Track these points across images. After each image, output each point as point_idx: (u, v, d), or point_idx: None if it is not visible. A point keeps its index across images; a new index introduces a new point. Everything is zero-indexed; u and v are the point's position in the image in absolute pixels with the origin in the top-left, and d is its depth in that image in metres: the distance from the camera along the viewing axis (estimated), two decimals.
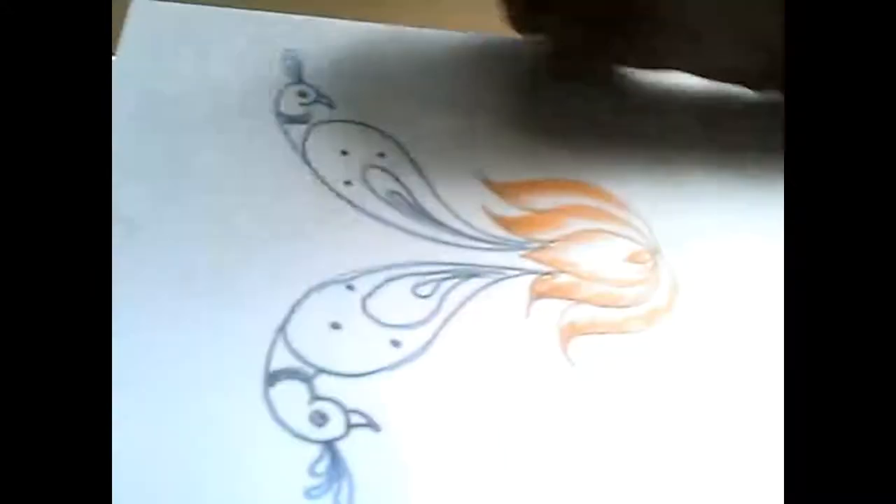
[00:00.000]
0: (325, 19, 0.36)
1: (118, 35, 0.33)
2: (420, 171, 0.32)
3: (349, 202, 0.31)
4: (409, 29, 0.36)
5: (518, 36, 0.35)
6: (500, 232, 0.31)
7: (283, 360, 0.26)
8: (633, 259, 0.32)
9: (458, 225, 0.31)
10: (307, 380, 0.25)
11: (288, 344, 0.26)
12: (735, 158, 0.36)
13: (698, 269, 0.32)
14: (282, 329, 0.26)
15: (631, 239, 0.32)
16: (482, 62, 0.36)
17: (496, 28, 0.37)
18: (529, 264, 0.31)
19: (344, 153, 0.32)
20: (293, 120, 0.33)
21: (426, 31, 0.37)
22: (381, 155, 0.33)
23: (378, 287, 0.28)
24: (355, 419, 0.25)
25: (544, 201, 0.33)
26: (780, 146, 0.35)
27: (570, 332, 0.29)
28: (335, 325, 0.27)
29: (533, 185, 0.33)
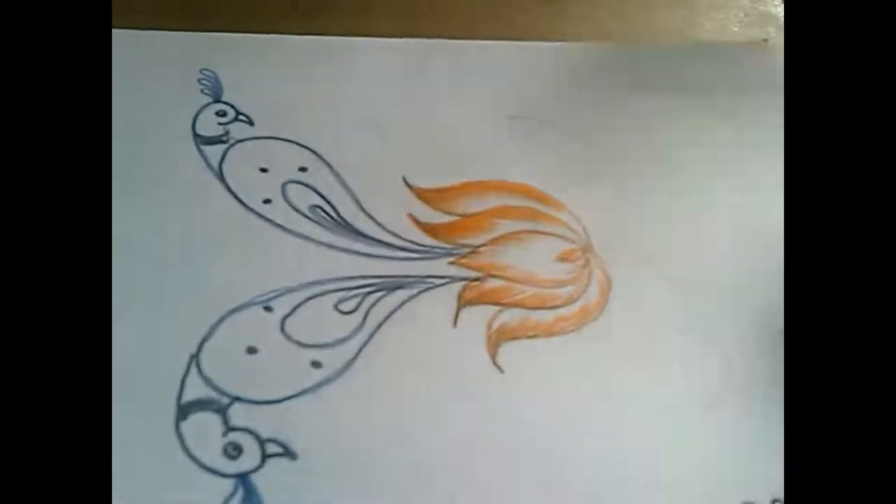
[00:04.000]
0: (242, 35, 0.35)
1: None
2: (343, 183, 0.32)
3: (268, 220, 0.30)
4: (329, 38, 0.36)
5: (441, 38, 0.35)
6: (427, 240, 0.30)
7: (196, 390, 0.25)
8: (563, 258, 0.31)
9: (383, 236, 0.30)
10: (221, 410, 0.24)
11: (201, 372, 0.25)
12: (672, 152, 0.35)
13: (631, 264, 0.31)
14: (195, 356, 0.25)
15: (562, 237, 0.31)
16: (404, 67, 0.35)
17: (422, 32, 0.36)
18: (458, 271, 0.30)
19: (263, 170, 0.31)
20: (211, 141, 0.32)
21: (347, 39, 0.36)
22: (303, 169, 0.32)
23: (298, 306, 0.28)
24: (271, 449, 0.24)
25: (472, 204, 0.32)
26: (717, 140, 0.35)
27: (500, 337, 0.28)
28: (251, 350, 0.26)
29: (460, 189, 0.32)
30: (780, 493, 0.26)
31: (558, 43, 0.36)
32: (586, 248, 0.31)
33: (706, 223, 0.33)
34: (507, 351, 0.28)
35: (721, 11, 0.41)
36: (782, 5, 0.38)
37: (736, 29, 0.40)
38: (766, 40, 0.39)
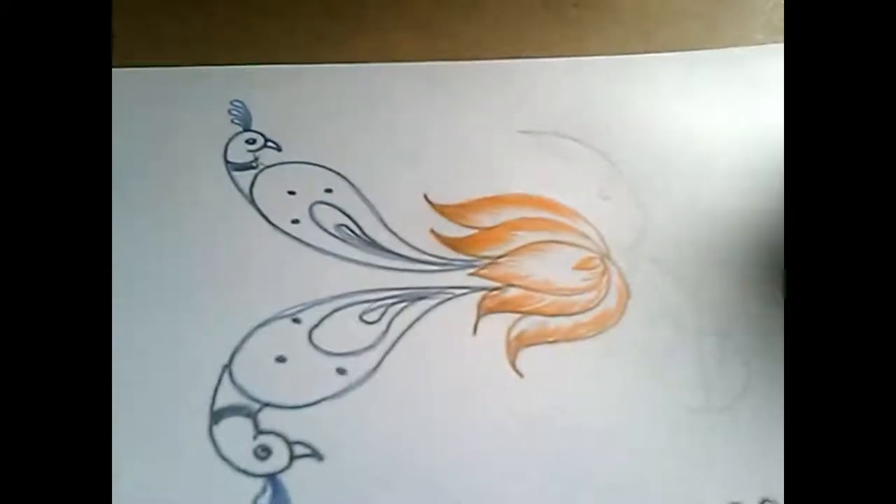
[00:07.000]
0: (269, 66, 0.37)
1: None
2: (367, 203, 0.33)
3: (296, 239, 0.31)
4: (351, 66, 0.37)
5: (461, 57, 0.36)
6: (448, 253, 0.32)
7: (228, 397, 0.26)
8: (581, 266, 0.32)
9: (406, 251, 0.31)
10: (252, 415, 0.26)
11: (233, 380, 0.26)
12: (688, 160, 0.36)
13: (649, 271, 0.31)
14: (227, 366, 0.27)
15: (579, 246, 0.32)
16: (424, 90, 0.36)
17: (443, 52, 0.37)
18: (477, 281, 0.31)
19: (291, 193, 0.33)
20: (242, 167, 0.34)
21: (368, 65, 0.37)
22: (329, 191, 0.33)
23: (325, 318, 0.29)
24: (299, 450, 0.25)
25: (491, 218, 0.33)
26: (734, 144, 0.36)
27: (519, 343, 0.29)
28: (280, 359, 0.27)
29: (479, 203, 0.33)
30: None
31: (568, 58, 0.37)
32: (604, 257, 0.32)
33: (724, 231, 0.33)
34: (527, 356, 0.29)
35: (743, 20, 0.41)
36: None
37: (760, 36, 0.41)
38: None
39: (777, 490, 0.26)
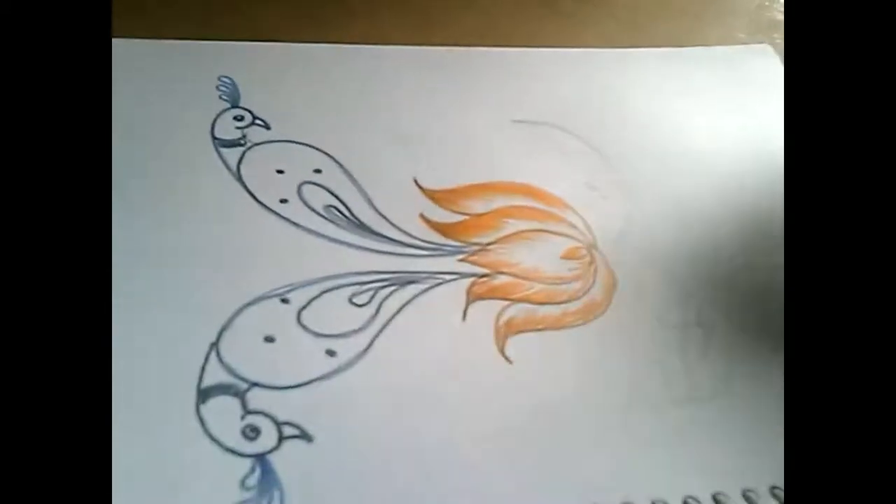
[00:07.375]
0: (259, 43, 0.37)
1: None
2: (357, 184, 0.33)
3: (285, 219, 0.31)
4: (343, 46, 0.37)
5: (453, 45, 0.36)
6: (438, 238, 0.32)
7: (215, 375, 0.26)
8: (569, 255, 0.32)
9: (395, 234, 0.31)
10: (239, 394, 0.25)
11: (221, 359, 0.26)
12: (675, 153, 0.36)
13: (635, 262, 0.32)
14: (215, 344, 0.26)
15: (568, 235, 0.32)
16: (414, 74, 0.36)
17: (434, 40, 0.37)
18: (467, 268, 0.31)
19: (280, 172, 0.33)
20: (229, 144, 0.33)
21: (360, 47, 0.37)
22: (318, 171, 0.33)
23: (314, 299, 0.29)
24: (288, 431, 0.25)
25: (481, 205, 0.33)
26: (721, 140, 0.36)
27: (508, 330, 0.29)
28: (269, 339, 0.27)
29: (469, 190, 0.33)
30: (779, 481, 0.26)
31: (562, 49, 0.37)
32: (591, 247, 0.32)
33: (711, 225, 0.34)
34: (515, 343, 0.29)
35: (728, 19, 0.42)
36: None
37: (742, 36, 0.41)
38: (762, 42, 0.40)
39: (759, 481, 0.26)
